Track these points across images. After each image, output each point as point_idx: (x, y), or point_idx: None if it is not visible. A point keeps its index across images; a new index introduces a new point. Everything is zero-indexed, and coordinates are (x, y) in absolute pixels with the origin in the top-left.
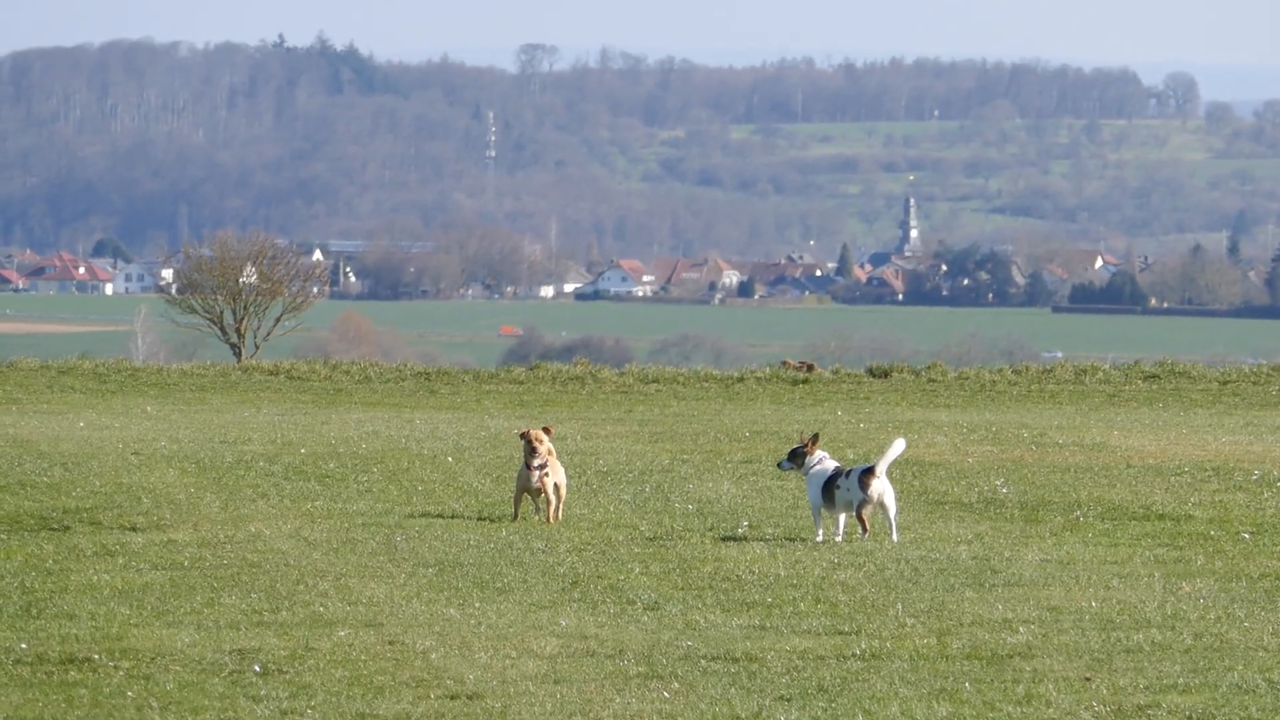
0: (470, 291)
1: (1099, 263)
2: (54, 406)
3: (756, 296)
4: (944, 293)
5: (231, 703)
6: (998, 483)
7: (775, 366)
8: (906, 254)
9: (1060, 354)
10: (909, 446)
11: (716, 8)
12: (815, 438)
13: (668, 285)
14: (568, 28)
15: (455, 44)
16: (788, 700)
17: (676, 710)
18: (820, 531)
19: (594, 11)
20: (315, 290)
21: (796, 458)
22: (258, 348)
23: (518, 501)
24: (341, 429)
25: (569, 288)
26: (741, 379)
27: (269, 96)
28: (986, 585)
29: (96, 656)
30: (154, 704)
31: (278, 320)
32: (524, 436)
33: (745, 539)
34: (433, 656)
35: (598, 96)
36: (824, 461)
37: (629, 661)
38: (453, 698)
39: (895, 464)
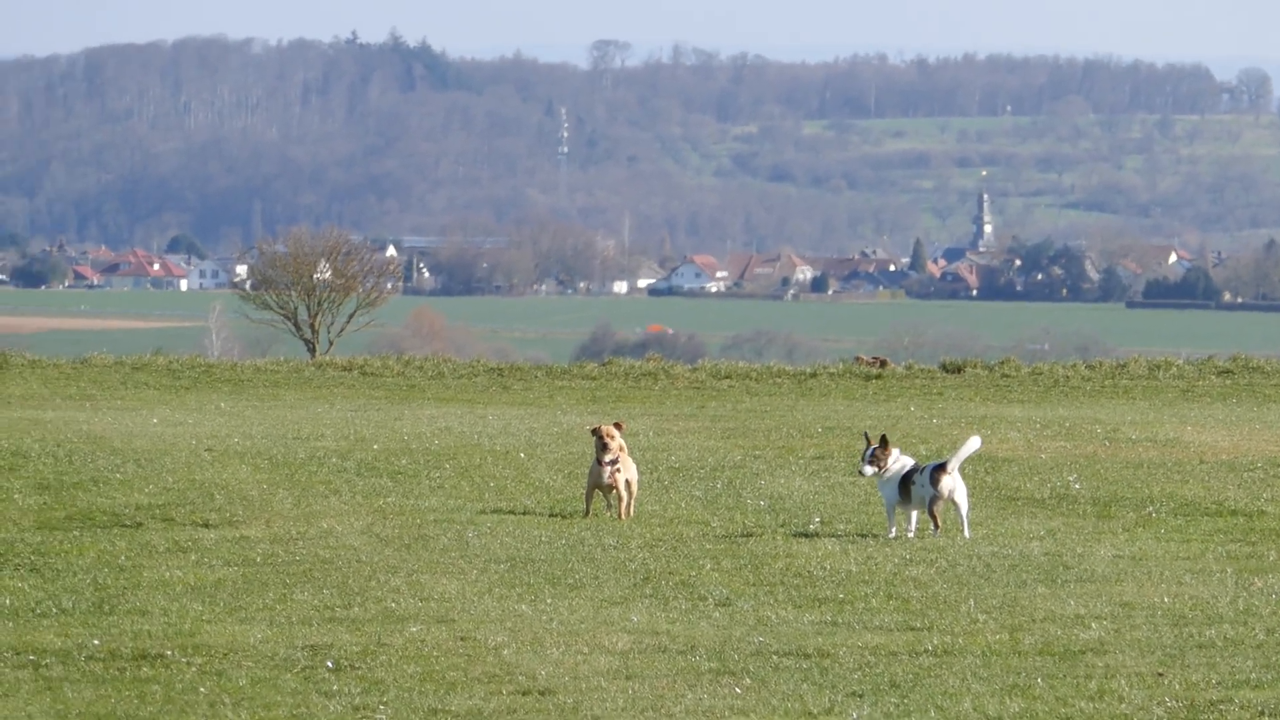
0: (543, 287)
1: (1173, 258)
2: (128, 403)
3: (830, 292)
4: (1018, 288)
5: (304, 699)
6: (1070, 478)
7: (848, 362)
8: (980, 249)
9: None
10: (982, 443)
11: (789, 3)
12: (885, 440)
13: (741, 281)
14: (640, 24)
15: (527, 40)
16: (859, 696)
17: (749, 706)
18: (893, 528)
19: (666, 7)
20: (389, 286)
21: (877, 461)
22: (331, 344)
23: (589, 497)
24: (414, 425)
25: (642, 283)
26: (814, 374)
27: (342, 93)
28: (1059, 581)
29: (169, 653)
30: (226, 700)
31: (351, 316)
32: (596, 432)
33: (817, 535)
34: (504, 652)
35: (670, 92)
36: (900, 459)
37: (701, 657)
38: (524, 693)
39: (968, 460)
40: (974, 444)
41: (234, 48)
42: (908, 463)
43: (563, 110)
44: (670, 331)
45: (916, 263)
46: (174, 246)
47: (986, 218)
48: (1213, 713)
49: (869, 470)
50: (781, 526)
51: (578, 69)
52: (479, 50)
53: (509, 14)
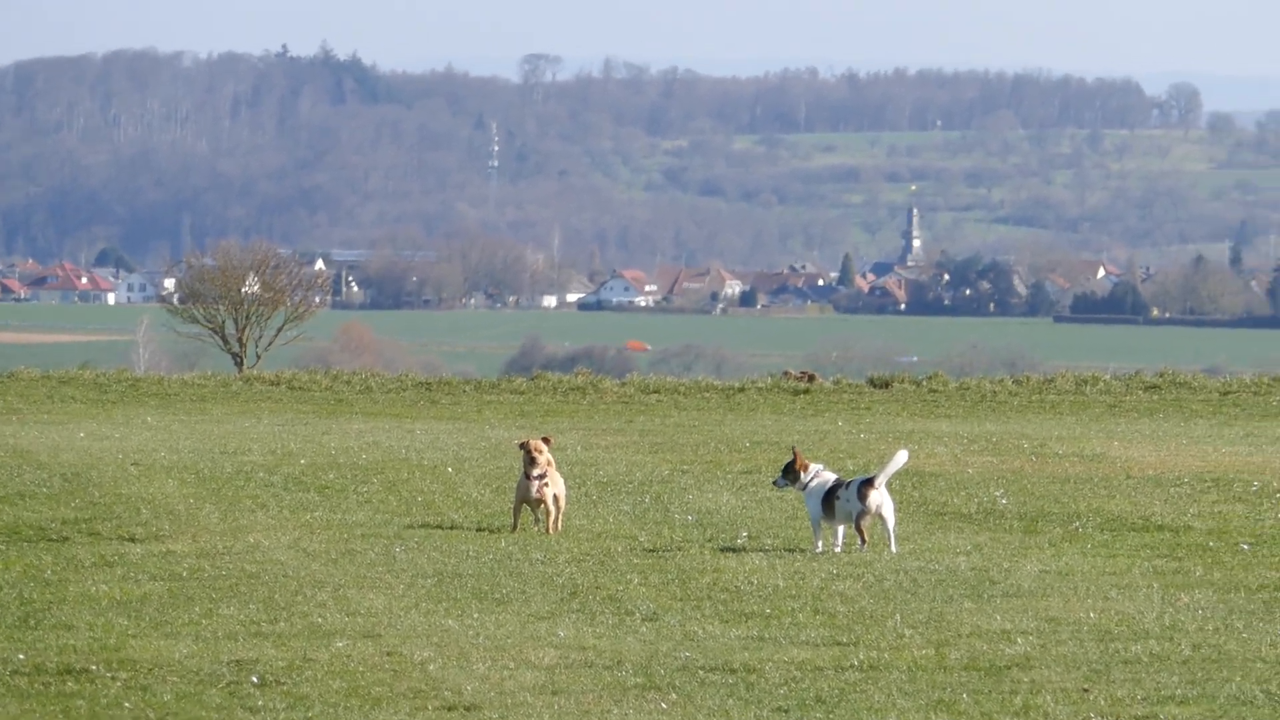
0: (473, 301)
1: (1101, 273)
2: (54, 417)
3: (759, 306)
4: (946, 302)
5: (229, 714)
6: (997, 493)
7: (776, 377)
8: (909, 264)
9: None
10: (910, 458)
11: (720, 17)
12: (794, 452)
13: (670, 295)
14: (571, 38)
15: (458, 54)
16: (785, 711)
17: None
18: (819, 543)
19: (597, 21)
20: (317, 300)
21: (790, 474)
22: (259, 358)
23: (517, 512)
24: (342, 439)
25: (571, 297)
26: (743, 389)
27: (272, 106)
28: (985, 596)
29: (94, 667)
30: (151, 715)
31: (279, 330)
32: (523, 446)
33: (744, 550)
34: (431, 667)
35: (601, 106)
36: (822, 474)
37: (627, 672)
38: (450, 709)
39: (895, 474)
40: (901, 458)
41: (164, 61)
42: (829, 477)
43: (493, 124)
44: (648, 348)
45: (845, 277)
46: (102, 260)
47: (915, 232)
48: None
49: (782, 483)
50: (709, 541)
51: (508, 83)
52: (409, 64)
53: (440, 27)
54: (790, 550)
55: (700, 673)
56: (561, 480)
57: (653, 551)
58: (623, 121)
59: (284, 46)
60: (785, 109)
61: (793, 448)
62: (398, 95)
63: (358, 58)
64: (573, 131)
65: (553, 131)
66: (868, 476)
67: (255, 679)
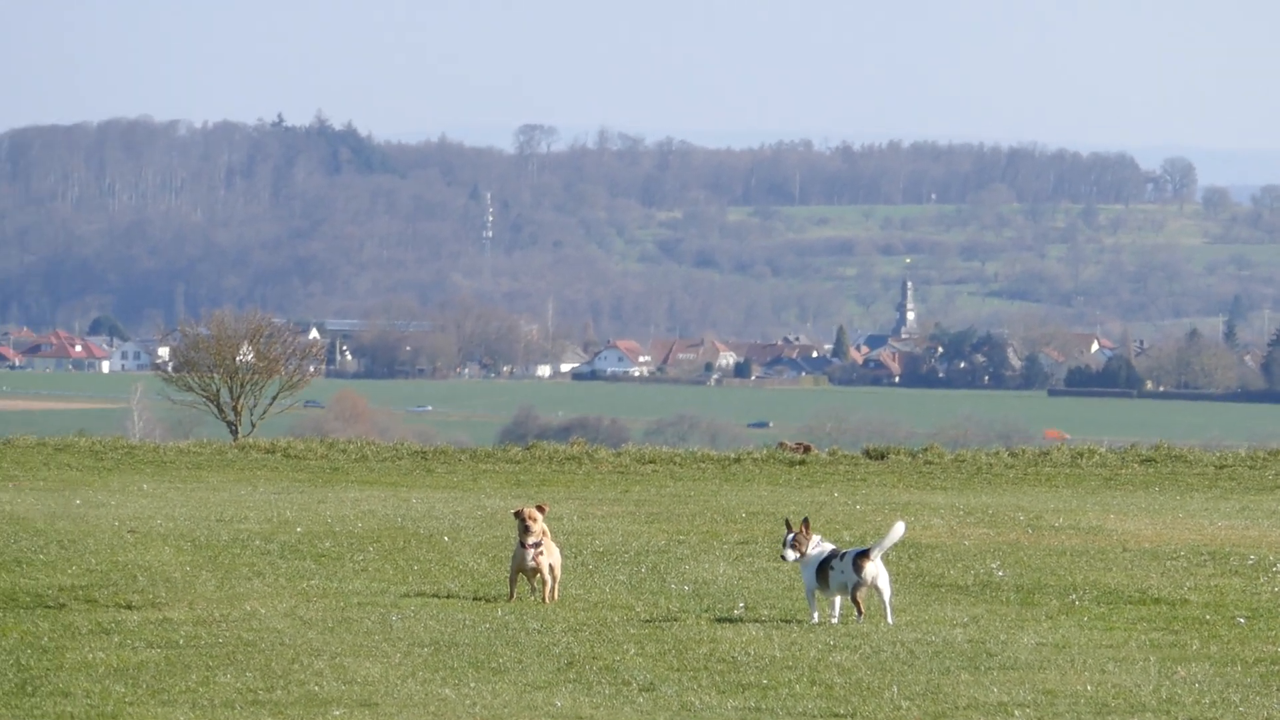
0: (467, 370)
1: (1095, 346)
2: (50, 484)
3: (753, 377)
4: (940, 375)
5: None
6: (993, 565)
7: (772, 448)
8: (903, 336)
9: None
10: (907, 530)
11: (715, 89)
12: (806, 522)
13: (664, 365)
14: (566, 108)
15: (453, 124)
16: None
17: None
18: (816, 614)
19: (593, 92)
20: (311, 369)
21: (798, 545)
22: (254, 426)
23: (513, 581)
24: (338, 508)
25: (565, 367)
26: (738, 460)
27: (267, 175)
28: (982, 668)
29: None
30: None
31: (274, 399)
32: (518, 515)
33: (741, 620)
34: None
35: (595, 177)
36: (820, 545)
37: None
38: None
39: (892, 547)
40: (899, 531)
41: (159, 130)
42: (827, 548)
43: (488, 194)
44: (1068, 437)
45: (839, 349)
46: (96, 328)
47: (910, 305)
48: None
49: (791, 555)
50: (705, 611)
51: (503, 153)
52: (404, 134)
53: (435, 98)
54: (787, 621)
55: None
56: (557, 549)
57: (649, 621)
58: (617, 192)
59: (279, 116)
60: (779, 181)
61: (805, 519)
62: (392, 165)
63: (353, 127)
64: (567, 202)
65: (547, 202)
66: (863, 548)
67: None
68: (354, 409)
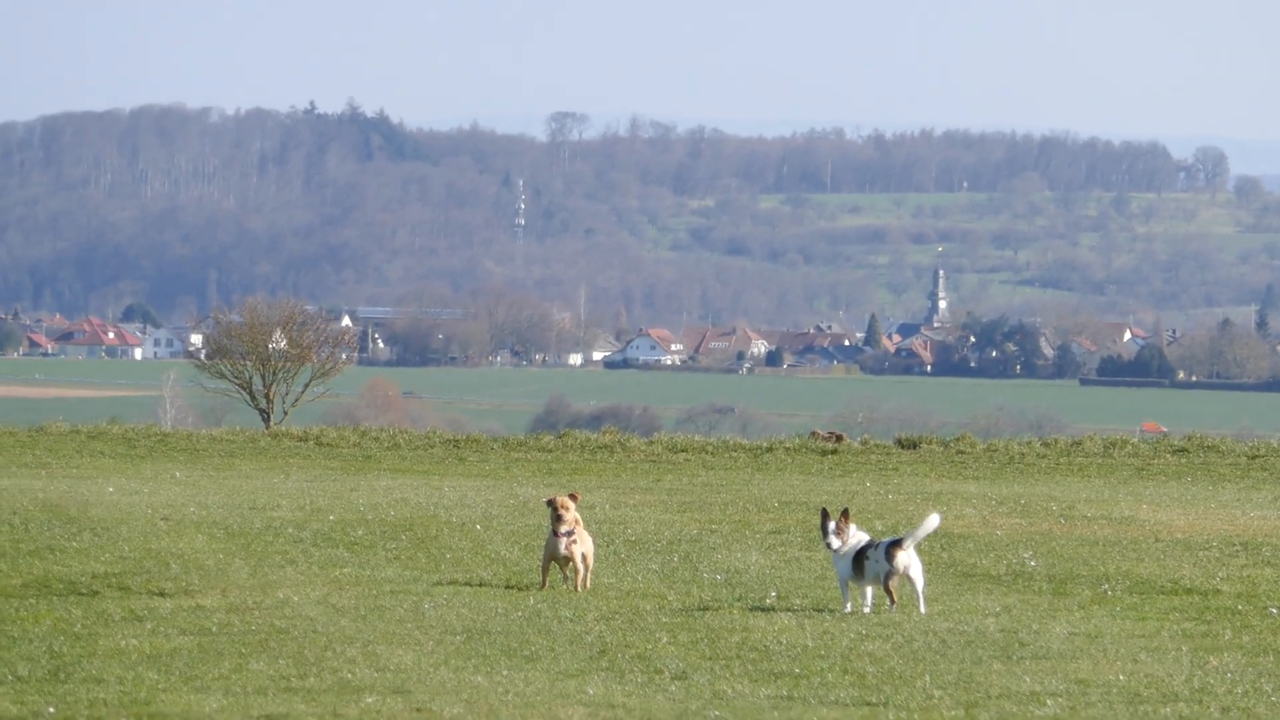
0: (499, 359)
1: (1127, 335)
2: (83, 471)
3: (785, 366)
4: (972, 364)
5: None
6: (1026, 555)
7: (804, 437)
8: (935, 325)
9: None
10: (940, 521)
11: (747, 77)
12: (846, 512)
13: (696, 354)
14: (598, 96)
15: (485, 111)
16: None
17: None
18: (848, 603)
19: (625, 80)
20: (344, 356)
21: (840, 533)
22: (286, 414)
23: (546, 569)
24: (370, 496)
25: (597, 356)
26: (770, 449)
27: (299, 162)
28: (1014, 658)
29: None
30: None
31: (306, 386)
32: (551, 504)
33: (773, 609)
34: None
35: (627, 165)
36: (857, 535)
37: None
38: None
39: (925, 537)
40: (933, 522)
41: (192, 117)
42: (862, 538)
43: (520, 182)
44: (1164, 430)
45: (871, 338)
46: (129, 315)
47: (941, 294)
48: None
49: (835, 542)
50: (738, 600)
51: (535, 140)
52: (436, 121)
53: (467, 85)
54: (819, 610)
55: None
56: (590, 538)
57: (681, 610)
58: (649, 180)
59: (311, 103)
60: (812, 169)
61: (844, 509)
62: (425, 152)
63: (385, 115)
64: (599, 190)
65: (579, 190)
66: (896, 538)
67: None
68: (385, 397)
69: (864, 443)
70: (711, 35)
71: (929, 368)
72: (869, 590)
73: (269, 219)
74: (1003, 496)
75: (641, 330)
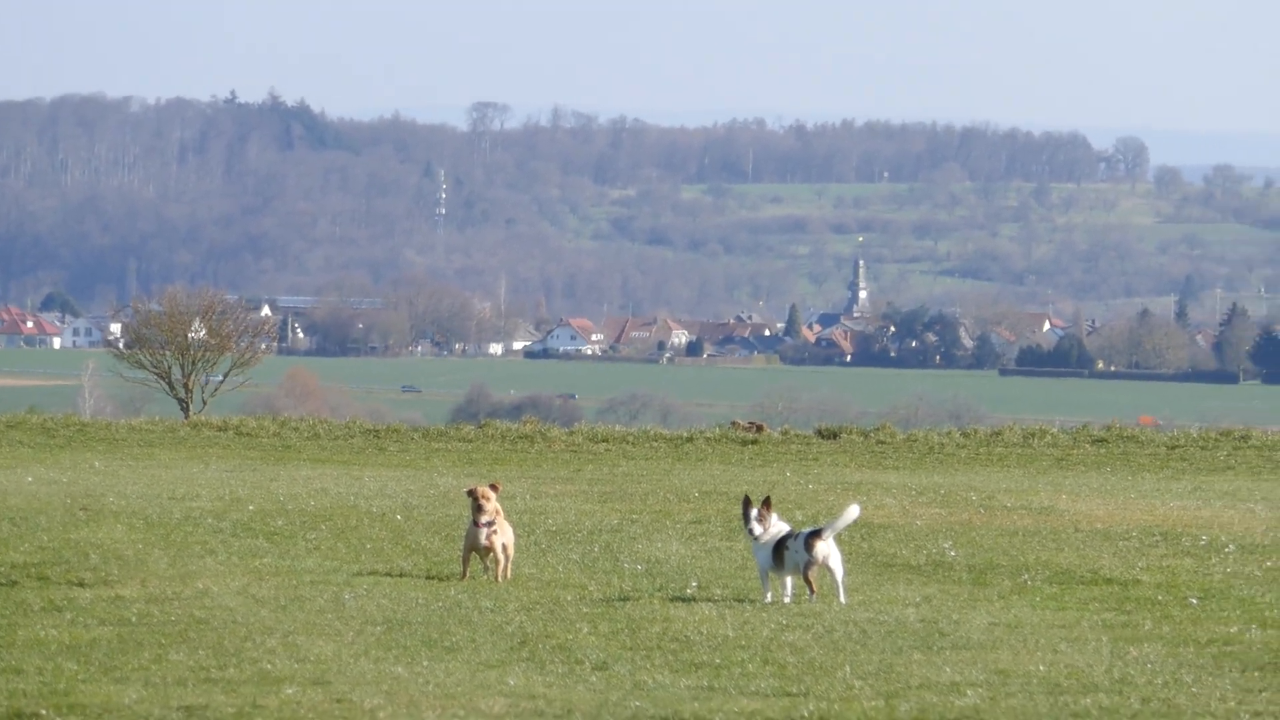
0: (419, 348)
1: (1046, 326)
2: (1, 460)
3: (705, 356)
4: (892, 354)
5: None
6: (946, 545)
7: (724, 427)
8: (855, 315)
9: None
10: (861, 511)
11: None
12: (768, 500)
13: (617, 344)
14: (520, 86)
15: (407, 101)
16: None
17: None
18: (769, 593)
19: (546, 70)
20: (263, 346)
21: (763, 521)
22: (205, 403)
23: (466, 560)
24: (290, 486)
25: (518, 345)
26: (691, 439)
27: (220, 152)
28: (934, 648)
29: (43, 712)
30: None
31: (225, 376)
32: (471, 494)
33: (694, 599)
34: (380, 715)
35: (549, 155)
36: (778, 524)
37: None
38: None
39: (846, 528)
40: (853, 513)
41: (112, 106)
42: (783, 528)
43: (441, 172)
44: (1160, 422)
45: (792, 328)
46: (48, 304)
47: (862, 284)
48: None
49: (758, 529)
50: (659, 591)
51: (456, 130)
52: (358, 111)
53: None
54: (740, 600)
55: None
56: (510, 528)
57: (602, 600)
58: (570, 170)
59: (232, 92)
60: (733, 159)
61: (767, 497)
62: (346, 142)
63: (306, 104)
64: (520, 180)
65: (500, 179)
66: (816, 528)
67: None
68: (305, 387)
69: (784, 433)
70: (634, 25)
71: (849, 358)
72: (789, 580)
73: (189, 208)
74: (923, 486)
75: (562, 320)
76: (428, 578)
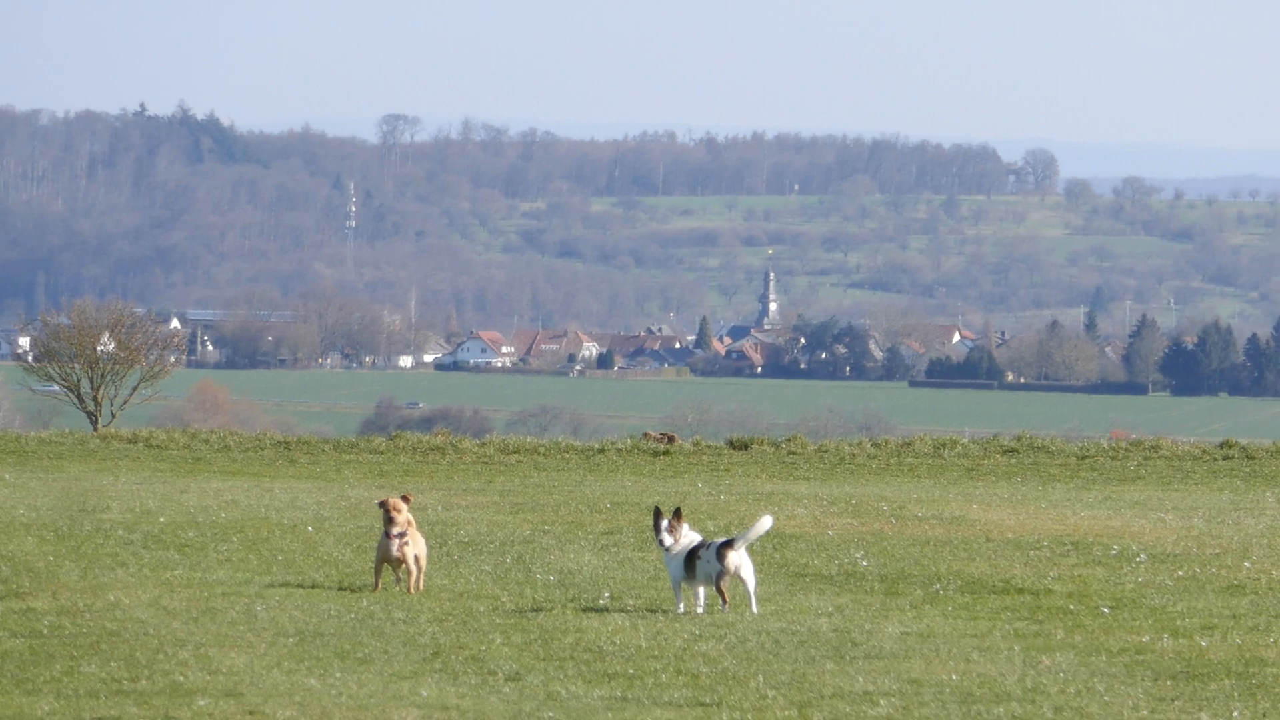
0: (329, 361)
1: (956, 337)
2: None
3: (616, 368)
4: (802, 366)
5: None
6: (858, 555)
7: (636, 438)
8: (765, 327)
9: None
10: (773, 523)
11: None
12: (678, 511)
13: (527, 356)
14: (430, 98)
15: (316, 114)
16: None
17: None
18: (681, 604)
19: (457, 83)
20: (172, 359)
21: (674, 531)
22: (115, 416)
23: (378, 571)
24: (200, 498)
25: (428, 358)
26: (602, 450)
27: (129, 165)
28: (847, 658)
29: None
30: None
31: (135, 389)
32: (383, 505)
33: (607, 610)
34: None
35: (459, 167)
36: (689, 535)
37: None
38: None
39: (758, 538)
40: (765, 524)
41: (21, 119)
42: (695, 538)
43: (351, 184)
44: (1130, 435)
45: (702, 340)
46: None
47: (772, 296)
48: None
49: (668, 540)
50: (571, 601)
51: (366, 143)
52: (267, 123)
53: (298, 87)
54: (652, 611)
55: None
56: (423, 540)
57: (515, 611)
58: (481, 183)
59: (141, 105)
60: (643, 171)
61: (677, 508)
62: (255, 155)
63: (215, 117)
64: (430, 192)
65: (410, 192)
66: (728, 539)
67: None
68: (214, 399)
69: (696, 444)
70: (544, 38)
71: (759, 369)
72: (701, 591)
73: (98, 221)
74: (834, 497)
75: (472, 333)
76: (340, 589)
